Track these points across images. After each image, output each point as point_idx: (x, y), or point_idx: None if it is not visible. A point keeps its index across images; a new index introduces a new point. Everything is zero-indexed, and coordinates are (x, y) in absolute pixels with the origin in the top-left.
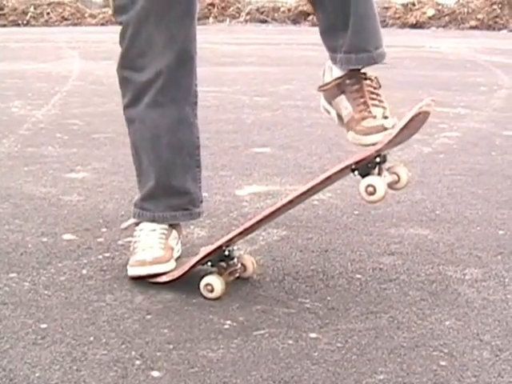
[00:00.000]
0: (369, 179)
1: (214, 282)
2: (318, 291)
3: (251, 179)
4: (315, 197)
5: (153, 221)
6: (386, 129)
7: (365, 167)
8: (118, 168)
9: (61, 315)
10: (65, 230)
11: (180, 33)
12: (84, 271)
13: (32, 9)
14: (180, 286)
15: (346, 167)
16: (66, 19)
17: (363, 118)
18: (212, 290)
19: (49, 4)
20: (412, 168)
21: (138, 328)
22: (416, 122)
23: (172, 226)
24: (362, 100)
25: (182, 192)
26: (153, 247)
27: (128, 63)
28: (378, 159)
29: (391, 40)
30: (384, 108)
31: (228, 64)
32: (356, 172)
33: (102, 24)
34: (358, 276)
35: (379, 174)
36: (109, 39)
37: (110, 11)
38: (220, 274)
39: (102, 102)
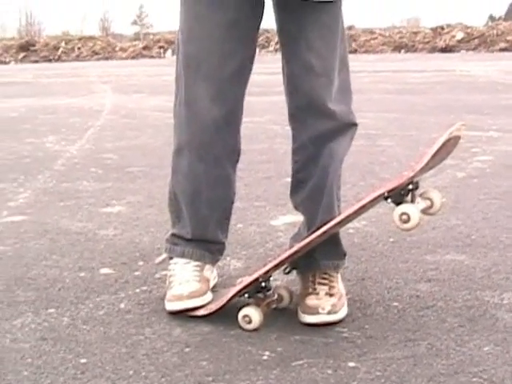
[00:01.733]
0: (402, 207)
1: (252, 314)
2: (355, 320)
3: (285, 209)
4: (350, 225)
5: (182, 256)
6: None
7: (398, 195)
8: (152, 201)
9: (100, 350)
10: (102, 265)
11: (230, 91)
12: (122, 305)
13: (63, 44)
14: (218, 318)
15: (380, 196)
16: (96, 53)
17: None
18: (250, 322)
19: (80, 39)
20: (446, 193)
21: (177, 361)
22: (447, 146)
23: None
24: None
25: (212, 242)
26: (189, 281)
27: (176, 111)
28: (410, 186)
29: (421, 65)
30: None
31: (259, 94)
32: (389, 200)
33: (133, 57)
34: (395, 304)
35: (412, 200)
36: (139, 72)
37: (140, 44)
38: (257, 305)
39: (134, 136)
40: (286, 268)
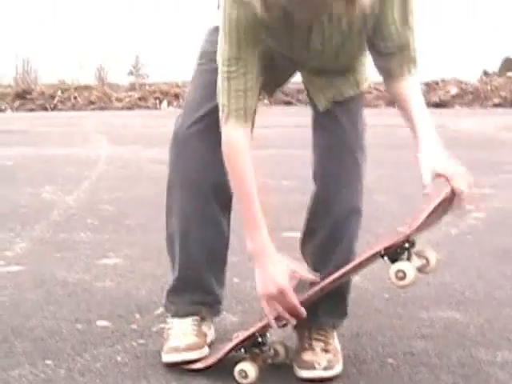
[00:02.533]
0: (398, 265)
1: (248, 369)
2: (350, 376)
3: None
4: None
5: (177, 315)
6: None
7: (394, 253)
8: (149, 254)
9: None
10: (98, 317)
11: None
12: (119, 358)
13: (59, 93)
14: (214, 372)
15: (376, 253)
16: (92, 103)
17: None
18: (246, 377)
19: (76, 88)
20: (440, 250)
21: None
22: (444, 205)
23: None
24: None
25: (207, 292)
26: (186, 334)
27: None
28: (406, 244)
29: None
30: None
31: (253, 147)
32: (385, 257)
33: (129, 108)
34: (390, 360)
35: (408, 258)
36: (135, 123)
37: (136, 95)
38: (254, 360)
39: (130, 187)
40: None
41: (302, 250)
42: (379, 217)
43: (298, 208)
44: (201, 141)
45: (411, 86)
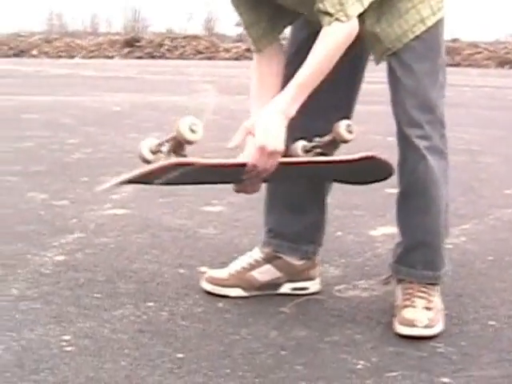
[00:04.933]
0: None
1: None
2: (451, 336)
3: (385, 220)
4: (449, 241)
5: None
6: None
7: None
8: (253, 203)
9: (197, 346)
10: (201, 263)
11: None
12: (220, 304)
13: (168, 41)
14: (314, 323)
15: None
16: (200, 53)
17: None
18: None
19: (184, 37)
20: None
21: (272, 363)
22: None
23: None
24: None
25: None
26: None
27: None
28: None
29: None
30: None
31: (359, 103)
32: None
33: (236, 58)
34: (492, 323)
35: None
36: (242, 74)
37: (243, 46)
38: None
39: None
40: (386, 278)
41: None
42: (484, 178)
43: None
44: None
45: (319, 38)
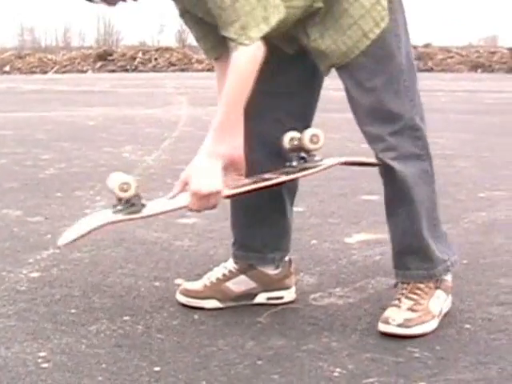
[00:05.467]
0: (312, 130)
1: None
2: (427, 341)
3: (359, 227)
4: None
5: None
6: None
7: None
8: (228, 214)
9: (173, 358)
10: (176, 275)
11: None
12: (196, 316)
13: (140, 54)
14: (290, 332)
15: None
16: (173, 65)
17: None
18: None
19: (156, 50)
20: None
21: (249, 373)
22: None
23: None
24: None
25: None
26: None
27: None
28: None
29: (498, 86)
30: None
31: (334, 110)
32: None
33: (209, 70)
34: (467, 326)
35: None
36: (215, 85)
37: None
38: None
39: None
40: (396, 284)
41: None
42: (458, 182)
43: (377, 172)
44: None
45: (229, 66)
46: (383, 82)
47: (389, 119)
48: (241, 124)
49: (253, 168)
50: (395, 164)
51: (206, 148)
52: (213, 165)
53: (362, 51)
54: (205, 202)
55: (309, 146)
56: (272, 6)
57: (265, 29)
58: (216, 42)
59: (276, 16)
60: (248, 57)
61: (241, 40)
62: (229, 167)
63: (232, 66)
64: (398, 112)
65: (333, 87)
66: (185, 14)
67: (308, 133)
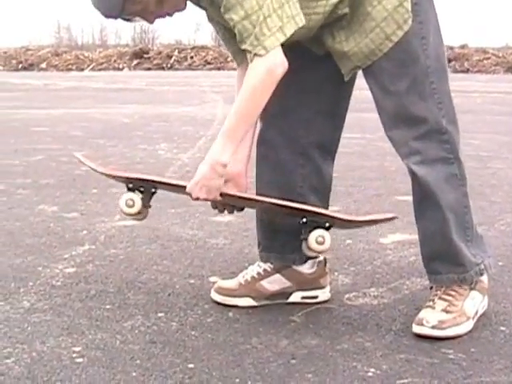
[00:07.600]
0: (318, 231)
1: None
2: (461, 342)
3: (394, 227)
4: None
5: None
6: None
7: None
8: None
9: (207, 356)
10: (211, 273)
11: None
12: (230, 314)
13: (176, 53)
14: (324, 331)
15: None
16: (208, 63)
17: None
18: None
19: (192, 48)
20: None
21: (283, 372)
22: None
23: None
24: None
25: None
26: None
27: None
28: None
29: None
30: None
31: (370, 110)
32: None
33: None
34: (502, 328)
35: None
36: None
37: None
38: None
39: None
40: (431, 286)
41: None
42: (495, 184)
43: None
44: None
45: (245, 77)
46: (407, 85)
47: (413, 123)
48: (248, 138)
49: (276, 169)
50: (418, 169)
51: (211, 155)
52: (213, 172)
53: (384, 54)
54: (204, 190)
55: (315, 247)
56: (287, 16)
57: (281, 38)
58: (238, 48)
59: (293, 25)
60: (264, 68)
61: (256, 50)
62: (229, 182)
63: (247, 76)
64: (422, 116)
65: (367, 87)
66: (212, 19)
67: (314, 234)
